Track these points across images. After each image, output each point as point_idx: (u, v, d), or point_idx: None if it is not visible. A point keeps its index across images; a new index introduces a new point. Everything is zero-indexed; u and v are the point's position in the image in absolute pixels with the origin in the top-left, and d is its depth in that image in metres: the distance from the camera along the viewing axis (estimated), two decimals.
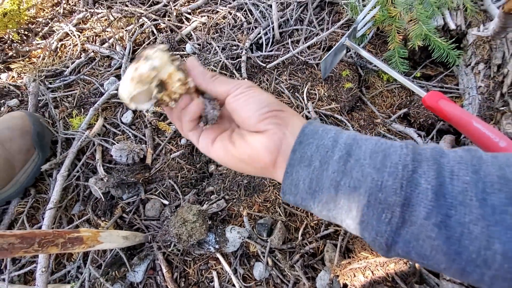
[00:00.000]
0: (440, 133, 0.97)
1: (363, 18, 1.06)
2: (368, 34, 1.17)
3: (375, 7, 1.08)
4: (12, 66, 1.26)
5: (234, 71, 1.11)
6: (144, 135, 1.02)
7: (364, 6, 1.20)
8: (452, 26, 1.07)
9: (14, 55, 1.29)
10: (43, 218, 0.83)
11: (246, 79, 1.10)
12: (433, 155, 0.29)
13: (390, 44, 1.09)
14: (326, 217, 0.32)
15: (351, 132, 0.33)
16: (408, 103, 1.04)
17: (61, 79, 1.18)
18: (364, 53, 1.01)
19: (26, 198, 0.94)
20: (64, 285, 0.79)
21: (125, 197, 0.91)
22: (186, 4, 1.38)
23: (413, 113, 1.01)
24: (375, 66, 1.12)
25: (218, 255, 0.79)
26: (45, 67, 1.23)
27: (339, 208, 0.30)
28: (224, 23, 1.26)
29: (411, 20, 1.07)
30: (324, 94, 1.06)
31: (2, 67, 1.27)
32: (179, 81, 0.36)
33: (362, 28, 1.09)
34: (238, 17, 1.27)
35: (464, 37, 1.09)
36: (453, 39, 1.05)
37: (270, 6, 1.26)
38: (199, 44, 1.21)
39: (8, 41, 1.34)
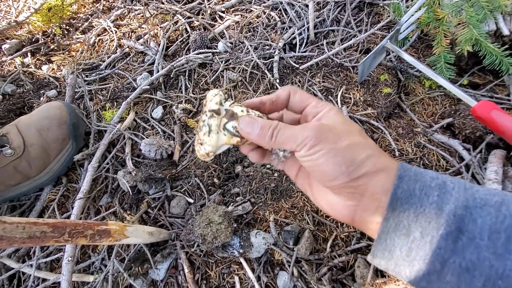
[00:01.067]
0: (489, 147, 0.88)
1: (407, 20, 1.00)
2: (411, 37, 1.10)
3: (420, 9, 1.01)
4: (53, 58, 1.31)
5: (266, 71, 1.08)
6: (173, 131, 1.02)
7: (408, 7, 1.13)
8: (505, 31, 0.97)
9: (56, 48, 1.35)
10: (72, 207, 0.84)
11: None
12: None
13: (435, 48, 1.01)
14: (422, 287, 0.28)
15: (460, 190, 0.26)
16: (452, 112, 0.96)
17: (97, 72, 1.22)
18: (407, 57, 0.94)
19: (58, 186, 0.96)
20: (87, 276, 0.80)
21: (151, 192, 0.91)
22: (220, 2, 1.38)
23: (458, 123, 0.92)
24: (417, 71, 1.05)
25: (242, 260, 0.76)
26: (83, 60, 1.27)
27: (444, 282, 0.26)
28: (258, 22, 1.24)
29: (459, 24, 0.99)
30: (359, 98, 1.01)
31: (44, 59, 1.33)
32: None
33: (405, 30, 1.03)
34: (272, 17, 1.25)
35: None
36: (506, 46, 0.96)
37: (306, 5, 1.22)
38: (231, 43, 1.20)
39: (51, 35, 1.40)
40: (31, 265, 0.80)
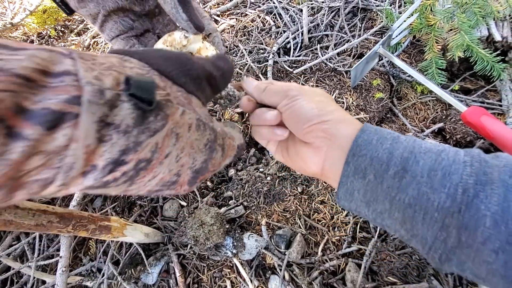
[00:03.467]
0: None
1: (399, 26, 1.01)
2: (403, 43, 1.11)
3: (412, 15, 1.03)
4: None
5: (260, 75, 1.09)
6: None
7: (400, 13, 1.15)
8: (497, 37, 0.99)
9: None
10: None
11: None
12: (502, 175, 0.26)
13: (427, 54, 1.03)
14: (380, 224, 0.32)
15: (409, 141, 0.31)
16: (443, 117, 0.98)
17: None
18: (399, 62, 0.95)
19: None
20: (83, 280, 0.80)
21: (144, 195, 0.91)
22: (216, 6, 1.39)
23: (449, 128, 0.94)
24: (409, 76, 1.06)
25: (235, 261, 0.77)
26: None
27: (393, 219, 0.30)
28: (253, 26, 1.25)
29: (451, 30, 1.01)
30: (352, 103, 1.02)
31: None
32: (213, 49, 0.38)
33: (397, 36, 1.04)
34: (267, 21, 1.26)
35: (510, 50, 1.01)
36: (498, 52, 0.97)
37: (301, 10, 1.23)
38: (226, 46, 1.21)
39: (46, 37, 1.40)
40: (30, 266, 0.80)
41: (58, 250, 0.80)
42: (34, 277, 0.79)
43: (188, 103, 0.23)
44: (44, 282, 0.80)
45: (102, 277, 0.77)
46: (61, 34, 1.44)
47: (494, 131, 0.77)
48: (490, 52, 0.95)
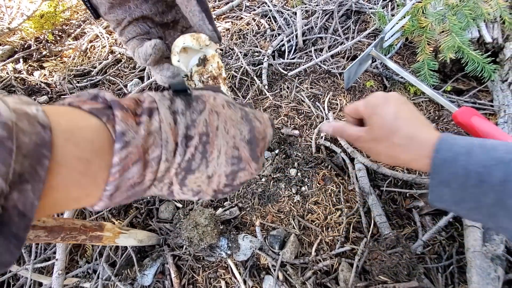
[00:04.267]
0: None
1: (391, 28, 1.02)
2: (396, 45, 1.12)
3: (404, 17, 1.04)
4: (45, 64, 1.32)
5: (255, 78, 1.10)
6: None
7: (393, 15, 1.16)
8: (488, 39, 1.00)
9: (48, 54, 1.36)
10: (62, 213, 0.85)
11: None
12: None
13: (419, 55, 1.04)
14: (470, 218, 0.42)
15: (480, 153, 0.36)
16: (436, 118, 0.99)
17: (88, 78, 1.23)
18: (391, 64, 0.97)
19: None
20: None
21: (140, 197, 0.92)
22: (211, 10, 1.40)
23: (441, 129, 0.95)
24: (402, 77, 1.07)
25: (230, 261, 0.77)
26: (75, 66, 1.28)
27: (481, 215, 0.36)
28: (248, 29, 1.27)
29: (443, 31, 1.02)
30: (346, 104, 1.03)
31: (36, 65, 1.34)
32: (216, 66, 0.43)
33: (389, 38, 1.05)
34: (262, 24, 1.27)
35: (501, 51, 1.02)
36: (489, 53, 0.99)
37: (295, 13, 1.25)
38: (221, 50, 1.22)
39: (43, 41, 1.42)
40: (26, 269, 0.80)
41: (55, 252, 0.81)
42: (31, 279, 0.80)
43: (215, 93, 0.32)
44: (41, 285, 0.80)
45: (98, 278, 0.78)
46: (58, 38, 1.45)
47: (484, 132, 0.78)
48: (481, 53, 0.96)
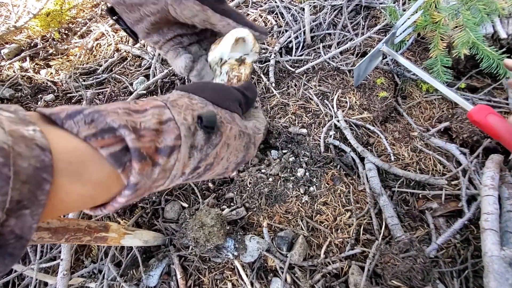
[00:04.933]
0: (487, 151, 0.87)
1: (403, 23, 0.99)
2: (408, 41, 1.09)
3: (416, 12, 1.00)
4: (51, 63, 1.32)
5: (262, 75, 1.08)
6: None
7: (404, 10, 1.13)
8: (503, 35, 0.96)
9: (54, 52, 1.36)
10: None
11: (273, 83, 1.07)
12: None
13: (432, 51, 1.01)
14: None
15: None
16: (450, 116, 0.95)
17: (94, 76, 1.22)
18: (403, 60, 0.93)
19: None
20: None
21: (146, 197, 0.91)
22: None
23: (455, 127, 0.91)
24: (413, 74, 1.04)
25: (237, 263, 0.76)
26: (81, 65, 1.28)
27: None
28: None
29: (456, 27, 0.99)
30: (355, 102, 1.00)
31: (42, 64, 1.33)
32: (248, 72, 0.44)
33: (401, 34, 1.02)
34: (269, 20, 1.25)
35: None
36: (504, 49, 0.95)
37: (303, 9, 1.22)
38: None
39: (50, 39, 1.41)
40: (32, 268, 0.80)
41: (60, 252, 0.80)
42: (36, 279, 0.79)
43: (232, 119, 0.33)
44: (46, 284, 0.80)
45: (103, 278, 0.77)
46: (64, 36, 1.45)
47: (500, 131, 0.75)
48: (495, 49, 0.92)
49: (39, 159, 0.18)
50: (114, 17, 0.43)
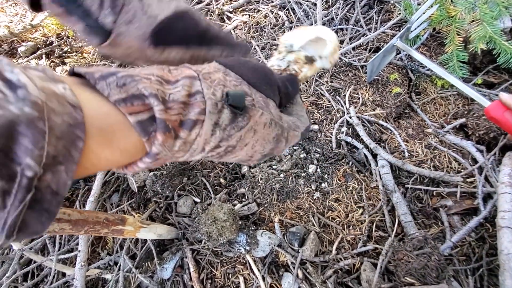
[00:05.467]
0: (504, 148, 0.85)
1: (418, 18, 0.97)
2: (423, 36, 1.07)
3: (432, 6, 0.98)
4: (66, 60, 1.35)
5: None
6: None
7: (419, 4, 1.10)
8: None
9: (69, 50, 1.39)
10: (84, 205, 0.87)
11: None
12: None
13: (447, 46, 0.98)
14: None
15: None
16: (466, 112, 0.93)
17: None
18: (418, 56, 0.92)
19: (76, 185, 0.99)
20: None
21: (159, 190, 0.93)
22: (228, 2, 1.38)
23: (471, 124, 0.90)
24: (428, 70, 1.02)
25: (248, 257, 0.77)
26: (95, 62, 1.30)
27: None
28: (265, 22, 1.24)
29: (473, 21, 0.96)
30: (368, 98, 0.99)
31: (57, 61, 1.37)
32: (309, 74, 0.41)
33: (416, 28, 1.00)
34: (280, 16, 1.24)
35: None
36: None
37: (314, 4, 1.21)
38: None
39: (64, 37, 1.44)
40: (51, 260, 0.83)
41: (78, 244, 0.83)
42: (55, 270, 0.82)
43: (266, 105, 0.31)
44: (64, 275, 0.83)
45: (119, 270, 0.79)
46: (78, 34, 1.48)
47: None
48: None
49: (71, 115, 0.18)
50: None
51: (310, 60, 0.40)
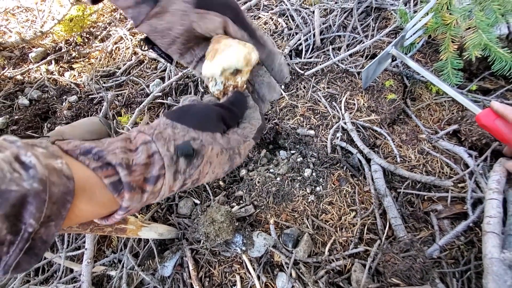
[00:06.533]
0: (496, 154, 0.87)
1: (413, 26, 0.99)
2: (418, 43, 1.09)
3: (427, 14, 1.01)
4: (74, 65, 1.41)
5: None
6: None
7: (416, 12, 1.12)
8: None
9: (77, 56, 1.45)
10: None
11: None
12: None
13: (442, 54, 1.00)
14: None
15: None
16: (459, 118, 0.95)
17: (114, 79, 1.29)
18: (411, 63, 0.94)
19: None
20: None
21: None
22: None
23: (464, 130, 0.92)
24: (423, 76, 1.04)
25: (244, 257, 0.80)
26: (101, 67, 1.35)
27: None
28: (265, 28, 1.27)
29: (469, 28, 0.98)
30: (363, 104, 1.02)
31: (66, 67, 1.42)
32: (244, 79, 0.45)
33: (411, 36, 1.03)
34: (279, 23, 1.27)
35: None
36: None
37: (313, 12, 1.24)
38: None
39: (73, 43, 1.50)
40: (60, 256, 0.88)
41: (85, 242, 0.88)
42: (63, 266, 0.87)
43: (214, 139, 0.37)
44: (72, 271, 0.88)
45: (123, 267, 0.84)
46: (86, 40, 1.53)
47: (508, 135, 0.75)
48: (509, 51, 0.91)
49: (65, 185, 0.25)
50: (150, 46, 0.46)
51: (236, 71, 0.44)
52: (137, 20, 0.42)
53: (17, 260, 0.23)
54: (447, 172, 0.87)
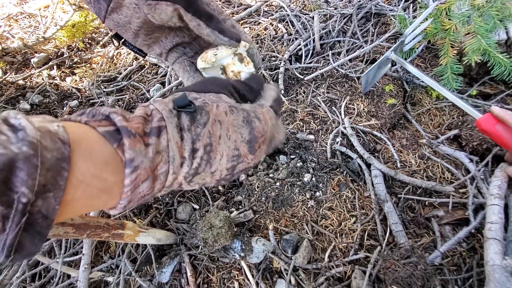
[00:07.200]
0: (497, 159, 0.86)
1: (412, 31, 1.00)
2: (418, 48, 1.09)
3: (426, 20, 1.01)
4: (76, 71, 1.42)
5: (271, 82, 1.11)
6: None
7: (415, 17, 1.13)
8: None
9: (78, 61, 1.46)
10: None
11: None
12: None
13: (442, 59, 1.00)
14: None
15: None
16: (460, 123, 0.95)
17: (115, 84, 1.30)
18: (411, 68, 0.94)
19: None
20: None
21: (159, 197, 0.97)
22: (230, 15, 1.43)
23: (465, 135, 0.91)
24: (423, 81, 1.04)
25: (243, 263, 0.79)
26: (102, 72, 1.36)
27: None
28: (265, 34, 1.28)
29: (468, 34, 0.98)
30: (363, 109, 1.02)
31: (68, 72, 1.43)
32: (232, 72, 0.48)
33: (410, 41, 1.03)
34: (279, 28, 1.28)
35: None
36: None
37: (313, 17, 1.25)
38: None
39: (75, 49, 1.52)
40: (57, 262, 0.87)
41: (82, 247, 0.87)
42: (61, 272, 0.86)
43: (219, 98, 0.35)
44: (69, 277, 0.87)
45: (120, 273, 0.83)
46: (88, 46, 1.55)
47: (509, 139, 0.75)
48: (508, 56, 0.91)
49: (60, 151, 0.22)
50: (119, 41, 0.47)
51: (223, 69, 0.47)
52: (101, 16, 0.42)
53: (18, 239, 0.20)
54: (448, 178, 0.87)
